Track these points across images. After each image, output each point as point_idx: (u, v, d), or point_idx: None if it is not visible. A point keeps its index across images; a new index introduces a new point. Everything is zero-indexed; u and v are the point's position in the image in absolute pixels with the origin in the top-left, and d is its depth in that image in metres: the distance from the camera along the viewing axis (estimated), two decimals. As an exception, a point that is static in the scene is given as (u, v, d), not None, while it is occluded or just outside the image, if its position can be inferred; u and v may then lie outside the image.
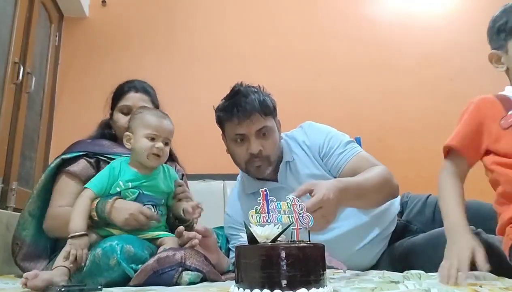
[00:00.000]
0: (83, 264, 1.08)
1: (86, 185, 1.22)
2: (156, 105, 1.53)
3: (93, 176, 1.29)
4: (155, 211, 1.24)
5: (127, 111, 1.47)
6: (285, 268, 0.68)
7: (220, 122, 1.40)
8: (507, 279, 0.88)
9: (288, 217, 0.77)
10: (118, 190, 1.22)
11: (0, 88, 1.83)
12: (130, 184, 1.23)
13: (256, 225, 0.77)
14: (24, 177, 2.07)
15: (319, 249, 0.73)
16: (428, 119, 2.71)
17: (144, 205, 1.22)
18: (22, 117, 2.03)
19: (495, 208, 1.04)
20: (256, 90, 1.37)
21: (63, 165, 1.38)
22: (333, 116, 2.81)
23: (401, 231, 1.39)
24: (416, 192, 1.63)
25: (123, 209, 1.17)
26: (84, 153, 1.40)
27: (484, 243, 0.94)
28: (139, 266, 1.07)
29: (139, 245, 1.12)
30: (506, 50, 1.07)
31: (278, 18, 2.89)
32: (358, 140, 2.63)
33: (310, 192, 1.03)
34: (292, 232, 0.77)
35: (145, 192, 1.24)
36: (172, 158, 1.60)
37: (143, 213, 1.18)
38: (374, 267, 1.36)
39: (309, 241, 0.77)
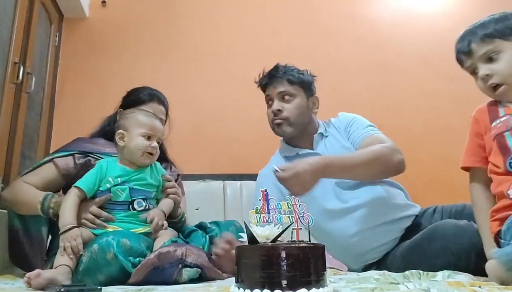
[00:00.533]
0: (81, 253, 1.10)
1: (74, 184, 1.24)
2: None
3: (72, 170, 1.35)
4: (145, 205, 1.27)
5: None
6: (285, 268, 0.68)
7: (262, 90, 1.66)
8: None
9: (288, 217, 0.78)
10: (108, 186, 1.25)
11: (0, 88, 1.83)
12: (119, 179, 1.26)
13: (256, 225, 0.77)
14: (24, 177, 2.07)
15: (319, 249, 0.73)
16: (428, 119, 2.71)
17: (136, 199, 1.26)
18: (22, 117, 2.03)
19: None
20: (292, 67, 1.63)
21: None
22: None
23: (412, 229, 1.44)
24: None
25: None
26: (76, 152, 1.42)
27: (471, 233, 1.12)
28: (137, 259, 1.07)
29: (135, 238, 1.13)
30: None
31: (278, 18, 2.88)
32: (358, 141, 2.63)
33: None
34: (292, 232, 0.77)
35: (134, 187, 1.27)
36: (166, 159, 1.61)
37: (92, 212, 1.20)
38: (381, 261, 1.42)
39: (309, 241, 0.77)
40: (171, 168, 1.61)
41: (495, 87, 1.07)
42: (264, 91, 1.64)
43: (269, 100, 1.60)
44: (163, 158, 1.58)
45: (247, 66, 2.73)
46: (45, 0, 2.35)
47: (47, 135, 2.43)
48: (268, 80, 1.60)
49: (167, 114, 1.61)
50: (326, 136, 1.60)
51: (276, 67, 1.62)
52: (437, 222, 1.30)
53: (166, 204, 1.32)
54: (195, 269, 1.08)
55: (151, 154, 1.30)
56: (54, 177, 1.37)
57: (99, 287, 0.97)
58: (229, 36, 2.80)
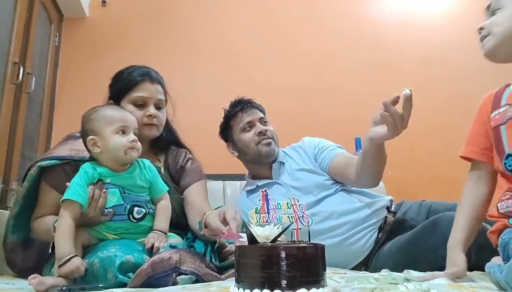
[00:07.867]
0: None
1: (64, 197, 1.11)
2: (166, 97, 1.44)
3: (67, 182, 1.17)
4: (145, 211, 1.19)
5: (143, 103, 1.36)
6: (285, 268, 0.68)
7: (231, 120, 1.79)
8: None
9: (288, 217, 0.78)
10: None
11: (0, 88, 1.83)
12: (109, 179, 1.16)
13: (256, 225, 0.77)
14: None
15: (319, 249, 0.73)
16: (428, 119, 2.71)
17: (133, 208, 1.17)
18: (22, 118, 2.03)
19: None
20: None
21: (43, 170, 1.29)
22: (333, 116, 2.81)
23: (397, 226, 1.49)
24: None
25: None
26: (64, 160, 1.29)
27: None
28: None
29: (139, 253, 1.08)
30: None
31: (279, 17, 2.88)
32: (358, 141, 2.62)
33: None
34: (292, 232, 0.77)
35: (126, 191, 1.18)
36: (178, 144, 1.55)
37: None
38: (364, 261, 1.48)
39: (309, 241, 0.77)
40: (176, 154, 1.51)
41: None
42: (234, 121, 1.73)
43: (249, 126, 1.69)
44: (174, 142, 1.50)
45: (247, 66, 2.74)
46: (45, 0, 2.35)
47: (47, 135, 2.44)
48: (245, 108, 1.70)
49: (165, 92, 1.44)
50: (284, 163, 1.69)
51: (246, 100, 1.75)
52: (437, 215, 1.30)
53: (163, 216, 1.23)
54: (190, 276, 1.06)
55: (133, 148, 1.17)
56: (54, 197, 1.26)
57: (100, 286, 0.97)
58: (230, 36, 2.81)
